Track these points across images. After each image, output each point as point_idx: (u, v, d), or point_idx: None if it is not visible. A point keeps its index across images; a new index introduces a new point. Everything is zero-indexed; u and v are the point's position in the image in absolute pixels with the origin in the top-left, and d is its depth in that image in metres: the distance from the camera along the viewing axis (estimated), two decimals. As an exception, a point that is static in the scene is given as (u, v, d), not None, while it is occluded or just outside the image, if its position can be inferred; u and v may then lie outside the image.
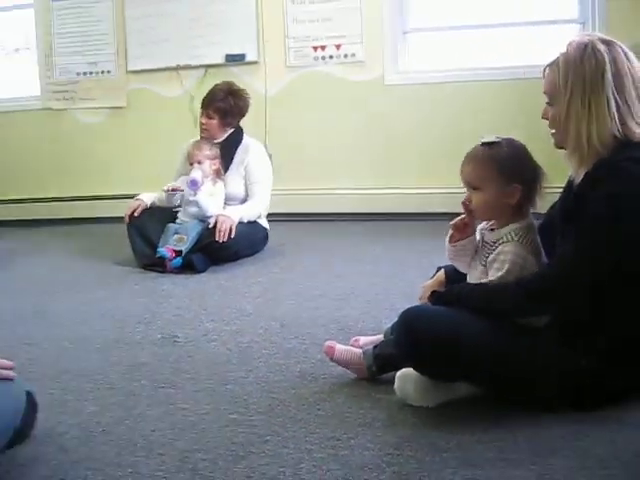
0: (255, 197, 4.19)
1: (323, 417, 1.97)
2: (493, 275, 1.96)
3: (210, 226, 3.89)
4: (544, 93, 2.06)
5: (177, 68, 5.57)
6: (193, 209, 4.00)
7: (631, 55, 1.98)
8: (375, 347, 2.18)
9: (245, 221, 4.07)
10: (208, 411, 2.03)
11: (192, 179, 3.93)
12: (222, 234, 3.86)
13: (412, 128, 5.35)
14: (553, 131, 2.05)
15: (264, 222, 4.30)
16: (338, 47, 5.43)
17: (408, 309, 2.03)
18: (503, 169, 1.98)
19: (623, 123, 1.90)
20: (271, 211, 4.42)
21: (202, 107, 4.24)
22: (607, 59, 1.92)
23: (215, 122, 4.19)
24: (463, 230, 2.08)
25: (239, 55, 5.49)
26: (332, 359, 2.23)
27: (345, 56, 5.43)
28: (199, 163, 4.00)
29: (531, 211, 2.05)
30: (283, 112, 5.51)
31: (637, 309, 1.91)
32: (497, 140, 2.02)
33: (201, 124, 4.24)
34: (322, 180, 5.46)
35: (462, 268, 2.15)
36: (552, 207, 2.22)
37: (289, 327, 2.81)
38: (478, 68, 5.28)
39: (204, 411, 2.03)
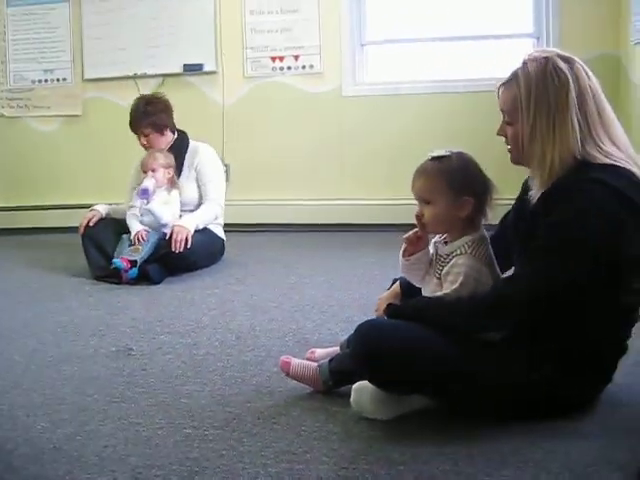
0: (209, 198, 4.16)
1: (279, 431, 1.96)
2: (447, 288, 1.97)
3: (167, 237, 3.86)
4: (501, 111, 2.05)
5: (134, 77, 5.53)
6: (148, 218, 3.96)
7: (589, 71, 1.98)
8: (331, 360, 2.18)
9: (202, 227, 4.05)
10: (162, 426, 2.01)
11: (143, 188, 3.90)
12: (178, 244, 3.83)
13: (369, 140, 5.38)
14: (510, 147, 2.05)
15: (221, 233, 4.28)
16: (296, 58, 5.45)
17: (364, 322, 2.04)
18: (453, 182, 1.98)
19: (583, 144, 1.90)
20: (228, 222, 4.40)
21: (133, 131, 4.20)
22: (570, 78, 1.91)
23: (152, 135, 4.16)
24: (416, 244, 2.09)
25: (197, 65, 5.48)
26: (288, 374, 2.21)
27: (303, 67, 5.45)
28: (153, 171, 3.97)
29: (483, 223, 2.06)
30: (241, 122, 5.51)
31: (590, 320, 1.93)
32: (446, 154, 2.02)
33: (144, 146, 4.20)
34: (279, 191, 5.47)
35: (416, 282, 2.15)
36: (505, 217, 2.24)
37: (245, 339, 2.80)
38: (434, 80, 5.34)
39: (158, 426, 2.00)
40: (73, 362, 2.59)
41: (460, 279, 1.95)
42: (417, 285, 2.15)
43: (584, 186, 1.86)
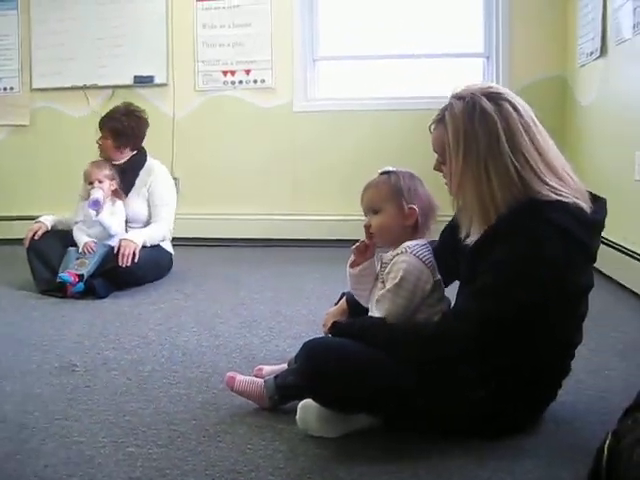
0: (159, 219, 4.13)
1: (224, 449, 1.93)
2: (389, 284, 1.99)
3: (115, 251, 3.81)
4: (434, 151, 2.03)
5: (84, 88, 5.47)
6: (96, 230, 3.91)
7: (519, 105, 1.93)
8: (276, 377, 2.17)
9: (149, 245, 4.01)
10: (105, 444, 1.97)
11: (94, 199, 3.86)
12: (125, 259, 3.79)
13: (320, 155, 5.41)
14: (447, 181, 2.04)
15: (169, 247, 4.25)
16: (248, 72, 5.45)
17: (310, 340, 2.04)
18: (400, 191, 2.05)
19: (526, 183, 1.88)
20: (176, 236, 4.37)
21: (99, 127, 4.17)
22: (498, 122, 1.88)
23: (109, 142, 4.12)
24: (364, 253, 2.11)
25: (148, 77, 5.44)
26: (232, 389, 2.20)
27: (255, 82, 5.46)
28: (100, 182, 3.92)
29: (426, 235, 2.09)
30: (191, 136, 5.49)
31: (535, 344, 1.94)
32: (394, 169, 2.10)
33: (99, 146, 4.17)
34: (229, 205, 5.45)
35: (363, 298, 2.15)
36: (443, 232, 2.26)
37: (191, 355, 2.77)
38: (386, 98, 5.39)
39: (101, 444, 1.97)
40: (15, 378, 2.52)
41: (400, 274, 1.97)
42: (364, 303, 2.15)
43: (530, 225, 1.85)
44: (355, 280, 2.14)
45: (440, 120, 1.99)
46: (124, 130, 4.11)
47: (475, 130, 1.89)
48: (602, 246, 4.09)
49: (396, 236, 2.06)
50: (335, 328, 2.06)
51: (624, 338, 2.96)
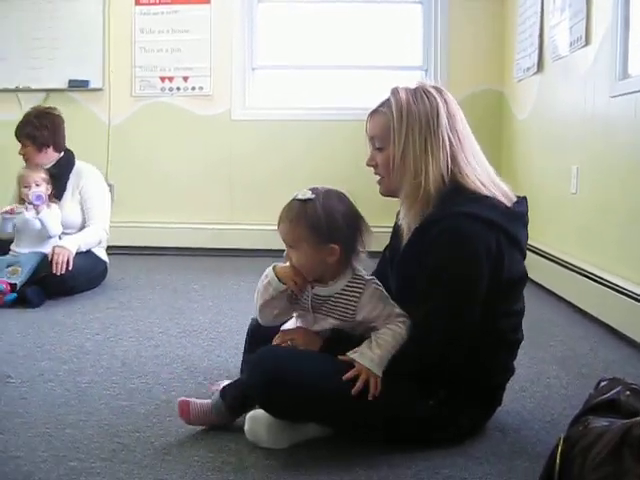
0: (94, 222, 4.04)
1: (170, 462, 1.87)
2: (393, 322, 1.94)
3: (50, 258, 3.70)
4: (371, 139, 2.04)
5: (16, 90, 5.32)
6: (35, 229, 3.79)
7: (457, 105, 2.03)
8: (223, 392, 2.08)
9: (84, 249, 3.92)
10: (45, 459, 1.88)
11: (37, 194, 3.75)
12: (59, 266, 3.68)
13: (257, 164, 5.39)
14: (380, 176, 2.05)
15: (103, 255, 4.15)
16: (186, 79, 5.39)
17: (260, 350, 2.00)
18: (317, 230, 1.91)
19: (455, 162, 1.94)
20: (111, 244, 4.27)
21: (16, 138, 4.05)
22: (440, 101, 1.95)
23: (30, 148, 4.02)
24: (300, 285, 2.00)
25: (83, 81, 5.33)
26: (190, 423, 2.07)
27: (193, 88, 5.41)
28: (37, 185, 3.82)
29: (358, 260, 2.00)
30: (127, 142, 5.40)
31: (476, 345, 1.95)
32: (311, 197, 1.94)
33: (22, 156, 4.05)
34: (165, 213, 5.38)
35: (267, 314, 2.04)
36: (385, 249, 2.26)
37: (131, 366, 2.69)
38: (324, 108, 5.41)
39: (40, 459, 1.88)
40: (-56, 390, 2.41)
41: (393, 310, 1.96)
42: (267, 317, 2.05)
43: (459, 222, 1.88)
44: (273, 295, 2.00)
45: (382, 105, 2.01)
46: (40, 131, 4.01)
47: (418, 106, 1.94)
48: (539, 258, 4.23)
49: (319, 273, 1.98)
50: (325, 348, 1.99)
51: (562, 347, 3.02)
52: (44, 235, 3.81)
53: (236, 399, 2.04)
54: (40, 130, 4.00)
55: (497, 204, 1.94)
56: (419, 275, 1.93)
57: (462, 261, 1.88)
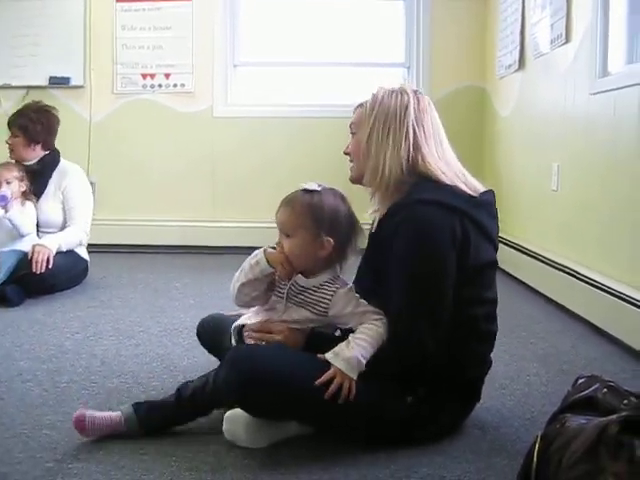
0: (75, 223, 4.01)
1: (148, 462, 1.86)
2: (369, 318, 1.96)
3: (29, 257, 3.67)
4: (350, 126, 2.14)
5: (-4, 87, 5.28)
6: (3, 232, 3.77)
7: (434, 107, 2.09)
8: (136, 410, 2.02)
9: (64, 249, 3.90)
10: (21, 460, 1.86)
11: (2, 194, 3.72)
12: (39, 265, 3.66)
13: (241, 161, 5.37)
14: (352, 165, 2.12)
15: (84, 253, 4.12)
16: (167, 76, 5.37)
17: (234, 350, 1.99)
18: (320, 221, 1.96)
19: (417, 152, 1.98)
20: (92, 242, 4.25)
21: (7, 126, 4.04)
22: (412, 98, 2.03)
23: (20, 140, 4.00)
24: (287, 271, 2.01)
25: (64, 78, 5.29)
26: (84, 434, 1.97)
27: (175, 85, 5.38)
28: (8, 183, 3.80)
29: (342, 266, 2.04)
30: (108, 140, 5.37)
31: (451, 338, 1.96)
32: (318, 189, 1.99)
33: (8, 144, 4.03)
34: (147, 211, 5.35)
35: (245, 296, 2.05)
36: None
37: (110, 365, 2.68)
38: (306, 105, 5.40)
39: (17, 460, 1.86)
40: None
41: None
42: (243, 299, 2.07)
43: (421, 209, 1.92)
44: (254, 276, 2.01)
45: (364, 101, 2.10)
46: (34, 126, 3.99)
47: (390, 100, 2.03)
48: (521, 255, 4.24)
49: (307, 264, 2.00)
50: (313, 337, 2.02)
51: (543, 344, 3.03)
52: (16, 234, 3.79)
53: (152, 419, 2.00)
54: (34, 124, 3.99)
55: (459, 192, 1.98)
56: (389, 266, 1.95)
57: (427, 246, 1.90)
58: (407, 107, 2.01)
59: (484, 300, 2.04)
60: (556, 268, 3.68)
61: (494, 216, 2.07)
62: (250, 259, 2.02)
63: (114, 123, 5.40)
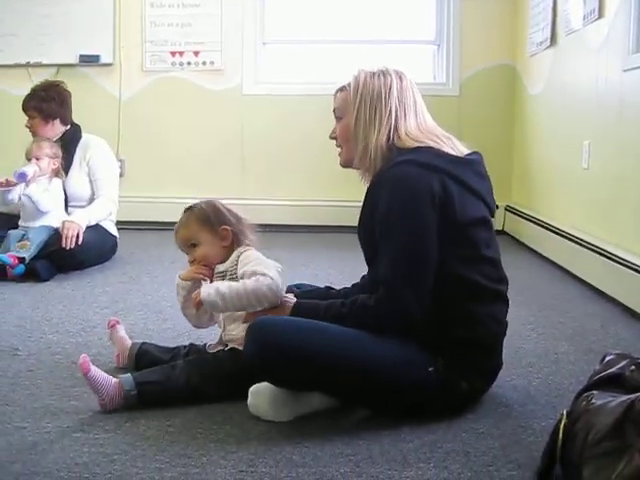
0: (102, 194, 4.05)
1: (173, 434, 1.88)
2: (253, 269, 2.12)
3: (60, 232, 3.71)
4: (334, 111, 2.19)
5: (27, 65, 5.31)
6: (28, 205, 3.80)
7: (416, 87, 2.13)
8: (135, 373, 2.09)
9: (94, 223, 3.93)
10: (49, 430, 1.90)
11: (20, 172, 3.74)
12: (68, 240, 3.70)
13: (268, 139, 5.37)
14: (340, 150, 2.18)
15: (113, 230, 4.16)
16: (196, 54, 5.37)
17: (254, 321, 1.99)
18: (208, 218, 2.27)
19: (398, 129, 2.05)
20: (122, 219, 4.28)
21: (23, 110, 4.07)
22: (394, 78, 2.08)
23: (37, 120, 4.03)
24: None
25: (93, 56, 5.32)
26: (87, 375, 2.01)
27: (204, 63, 5.38)
28: (37, 160, 3.82)
29: (252, 243, 2.30)
30: (137, 117, 5.39)
31: (475, 309, 1.96)
32: (193, 205, 2.33)
33: (28, 129, 4.07)
34: (175, 188, 5.36)
35: (193, 318, 2.35)
36: None
37: (137, 339, 2.66)
38: (335, 83, 5.31)
39: (45, 430, 1.89)
40: (-47, 362, 2.43)
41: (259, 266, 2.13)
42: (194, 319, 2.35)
43: (396, 169, 1.97)
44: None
45: (347, 84, 2.14)
46: (48, 103, 4.02)
47: (373, 81, 2.09)
48: (551, 234, 4.20)
49: (221, 256, 2.26)
50: (295, 306, 2.07)
51: (572, 323, 3.00)
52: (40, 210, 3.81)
53: (146, 383, 2.07)
54: (47, 102, 4.01)
55: (442, 153, 2.01)
56: (377, 233, 1.99)
57: (405, 202, 1.94)
58: (390, 87, 2.07)
59: (481, 258, 2.00)
60: (586, 247, 3.63)
61: (482, 175, 2.08)
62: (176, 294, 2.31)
63: (143, 101, 5.42)
